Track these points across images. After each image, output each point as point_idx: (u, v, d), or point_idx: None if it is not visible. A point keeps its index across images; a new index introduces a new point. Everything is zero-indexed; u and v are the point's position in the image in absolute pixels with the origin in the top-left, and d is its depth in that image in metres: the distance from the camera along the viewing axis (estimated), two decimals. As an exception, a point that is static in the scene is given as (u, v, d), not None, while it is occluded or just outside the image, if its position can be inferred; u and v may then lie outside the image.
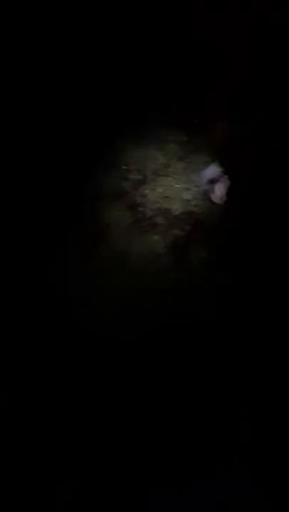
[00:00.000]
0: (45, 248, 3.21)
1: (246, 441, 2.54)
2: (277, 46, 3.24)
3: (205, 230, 3.37)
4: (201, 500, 2.38)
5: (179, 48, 3.31)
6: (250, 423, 2.59)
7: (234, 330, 2.90)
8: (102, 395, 2.71)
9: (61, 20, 3.51)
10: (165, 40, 3.37)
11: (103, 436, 2.60)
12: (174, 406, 2.67)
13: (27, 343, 2.84)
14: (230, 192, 3.35)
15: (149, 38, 3.36)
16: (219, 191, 3.40)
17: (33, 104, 3.45)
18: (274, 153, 3.23)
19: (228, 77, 3.21)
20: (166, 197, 3.43)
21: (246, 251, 3.26)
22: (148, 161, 3.48)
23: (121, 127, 3.48)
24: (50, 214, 3.32)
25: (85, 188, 3.40)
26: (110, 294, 3.14)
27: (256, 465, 2.49)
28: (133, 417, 2.65)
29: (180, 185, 3.46)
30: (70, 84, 3.45)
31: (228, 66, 3.23)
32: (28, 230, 3.25)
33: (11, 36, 3.51)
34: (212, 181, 3.43)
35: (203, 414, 2.62)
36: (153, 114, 3.48)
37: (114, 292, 3.15)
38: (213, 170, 3.45)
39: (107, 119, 3.43)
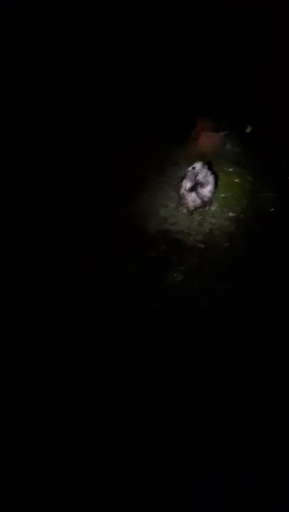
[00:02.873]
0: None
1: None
2: None
3: (182, 249, 3.13)
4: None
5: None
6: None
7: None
8: (101, 396, 2.65)
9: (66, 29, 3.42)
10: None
11: (104, 437, 2.56)
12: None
13: (27, 343, 2.79)
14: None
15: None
16: (193, 197, 3.23)
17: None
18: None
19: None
20: (142, 214, 3.22)
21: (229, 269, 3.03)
22: (124, 176, 3.28)
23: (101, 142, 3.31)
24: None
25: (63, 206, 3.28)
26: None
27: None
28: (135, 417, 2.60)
29: (157, 201, 3.25)
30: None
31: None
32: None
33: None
34: (191, 189, 3.22)
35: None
36: (130, 125, 3.30)
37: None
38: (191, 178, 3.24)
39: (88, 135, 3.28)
